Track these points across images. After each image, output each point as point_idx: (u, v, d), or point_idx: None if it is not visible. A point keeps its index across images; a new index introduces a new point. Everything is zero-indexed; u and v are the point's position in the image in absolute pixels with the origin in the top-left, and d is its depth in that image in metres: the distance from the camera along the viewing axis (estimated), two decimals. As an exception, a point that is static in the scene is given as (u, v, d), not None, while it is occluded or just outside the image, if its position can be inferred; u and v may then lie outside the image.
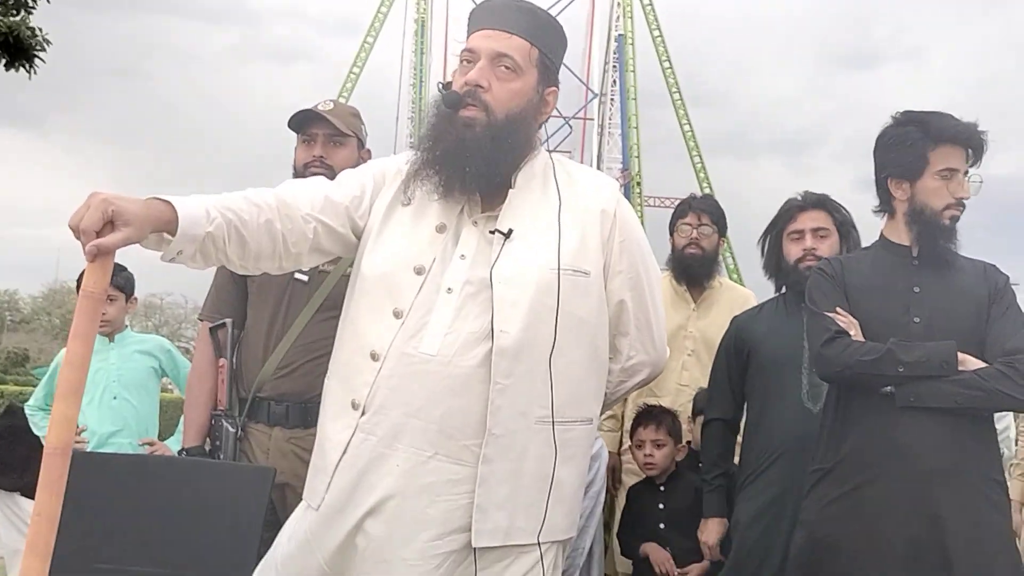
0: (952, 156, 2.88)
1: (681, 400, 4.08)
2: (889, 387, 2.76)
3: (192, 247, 2.11)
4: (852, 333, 2.82)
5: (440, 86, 2.44)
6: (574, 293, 2.31)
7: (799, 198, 3.56)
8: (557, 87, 2.49)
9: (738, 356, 3.55)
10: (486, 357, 2.22)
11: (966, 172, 2.89)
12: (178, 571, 2.76)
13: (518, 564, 2.27)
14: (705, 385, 3.79)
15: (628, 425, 4.19)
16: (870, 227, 3.18)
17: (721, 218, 4.27)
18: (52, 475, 1.94)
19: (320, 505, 2.30)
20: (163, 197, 2.07)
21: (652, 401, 4.07)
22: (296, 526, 2.40)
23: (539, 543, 2.27)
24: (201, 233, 2.11)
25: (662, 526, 3.81)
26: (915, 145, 2.90)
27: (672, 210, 4.48)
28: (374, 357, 2.27)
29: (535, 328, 2.25)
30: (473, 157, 2.31)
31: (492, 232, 2.33)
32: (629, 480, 4.18)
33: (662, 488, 3.89)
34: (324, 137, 3.29)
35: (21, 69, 10.92)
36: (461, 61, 2.42)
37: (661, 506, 3.85)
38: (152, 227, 2.04)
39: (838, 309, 2.87)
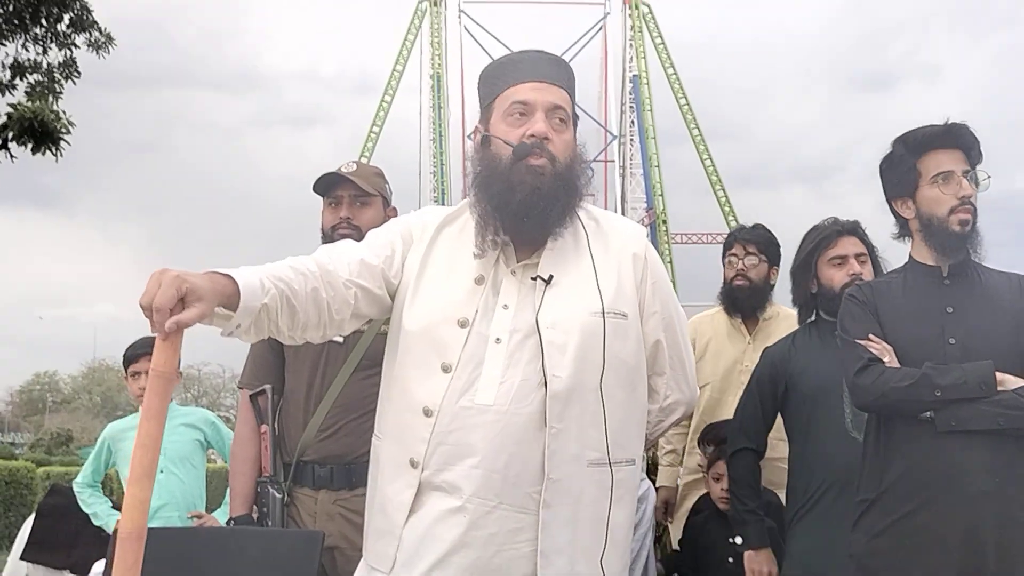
0: (942, 159, 2.85)
1: None
2: (928, 412, 2.70)
3: (249, 320, 2.10)
4: (887, 360, 2.78)
5: (487, 138, 2.43)
6: (616, 335, 2.34)
7: (835, 224, 3.52)
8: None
9: (772, 388, 3.52)
10: (541, 403, 2.24)
11: (967, 172, 2.84)
12: (233, 641, 2.76)
13: None
14: None
15: (688, 462, 4.17)
16: (894, 249, 3.17)
17: (770, 246, 4.25)
18: (127, 560, 1.92)
19: (392, 567, 2.29)
20: (221, 271, 2.06)
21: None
22: None
23: None
24: (258, 305, 2.09)
25: (731, 560, 3.74)
26: (903, 161, 2.90)
27: (701, 244, 4.49)
28: (427, 413, 2.28)
29: (584, 371, 2.28)
30: (551, 205, 2.34)
31: (533, 279, 2.36)
32: (683, 517, 4.15)
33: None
34: (349, 198, 3.32)
35: (47, 152, 11.07)
36: (510, 114, 2.41)
37: (731, 540, 3.76)
38: (218, 301, 2.01)
39: (871, 336, 2.84)
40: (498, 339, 2.31)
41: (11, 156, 11.44)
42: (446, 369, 2.29)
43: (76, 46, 12.77)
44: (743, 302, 4.24)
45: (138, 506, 1.93)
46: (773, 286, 4.35)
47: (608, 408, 2.29)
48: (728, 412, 4.08)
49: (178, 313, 1.91)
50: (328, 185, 3.35)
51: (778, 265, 4.28)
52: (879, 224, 3.38)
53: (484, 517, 2.23)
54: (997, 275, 2.91)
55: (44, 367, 61.08)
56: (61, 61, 12.76)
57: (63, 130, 11.06)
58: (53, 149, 11.04)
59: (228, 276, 2.05)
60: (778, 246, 4.26)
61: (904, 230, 2.98)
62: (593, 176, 2.57)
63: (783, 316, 4.32)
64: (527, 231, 2.37)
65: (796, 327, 4.11)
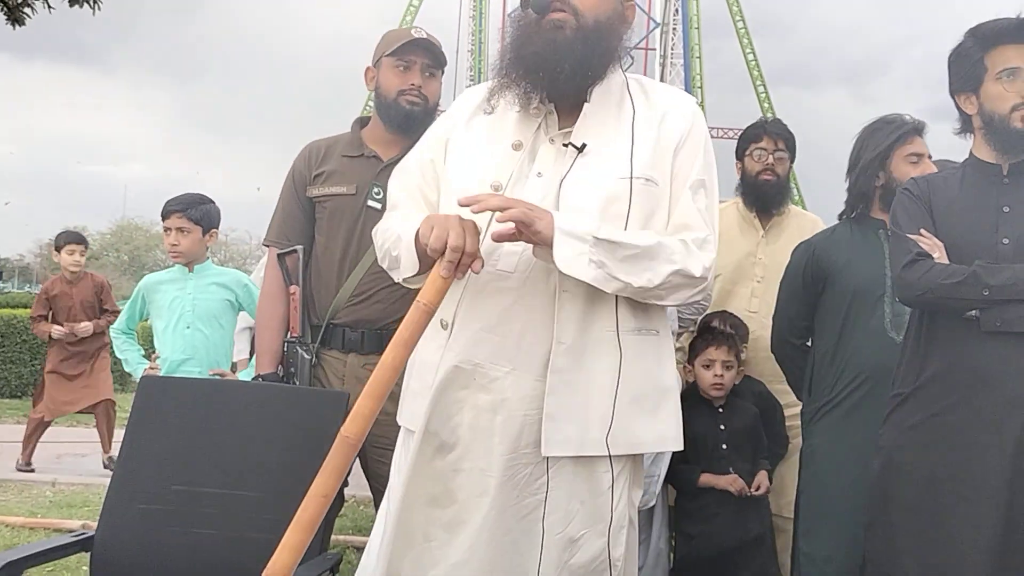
0: (1010, 55, 2.75)
1: (751, 327, 4.01)
2: (974, 311, 2.65)
3: None
4: (936, 255, 2.71)
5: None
6: (642, 200, 2.28)
7: (910, 120, 3.43)
8: (633, 1, 2.46)
9: (814, 280, 3.45)
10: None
11: None
12: (252, 493, 2.78)
13: (594, 475, 2.27)
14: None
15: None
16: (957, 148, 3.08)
17: (793, 143, 4.16)
18: (339, 461, 2.05)
19: (424, 426, 2.29)
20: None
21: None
22: (401, 457, 2.41)
23: (610, 455, 2.25)
24: None
25: (724, 447, 3.77)
26: (970, 54, 2.81)
27: (735, 140, 4.36)
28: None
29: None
30: (565, 58, 2.27)
31: (565, 145, 2.31)
32: None
33: (720, 410, 3.84)
34: (422, 66, 3.23)
35: (85, 5, 10.90)
36: None
37: (722, 427, 3.80)
38: None
39: (922, 231, 2.77)
40: None
41: (49, 6, 11.28)
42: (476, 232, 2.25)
43: (116, -101, 12.50)
44: (769, 197, 4.14)
45: (364, 418, 2.05)
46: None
47: None
48: (739, 303, 4.08)
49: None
50: (404, 48, 3.23)
51: (794, 161, 4.21)
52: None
53: (495, 382, 2.24)
54: None
55: (74, 222, 61.53)
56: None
57: (103, -19, 10.85)
58: (91, 1, 10.85)
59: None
60: (795, 140, 4.17)
61: (966, 126, 2.89)
62: (633, 63, 2.49)
63: (794, 212, 4.28)
64: (544, 85, 2.31)
65: (808, 223, 4.10)
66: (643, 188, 2.29)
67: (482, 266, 2.15)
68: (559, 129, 2.36)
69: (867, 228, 3.42)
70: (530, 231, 2.11)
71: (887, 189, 3.37)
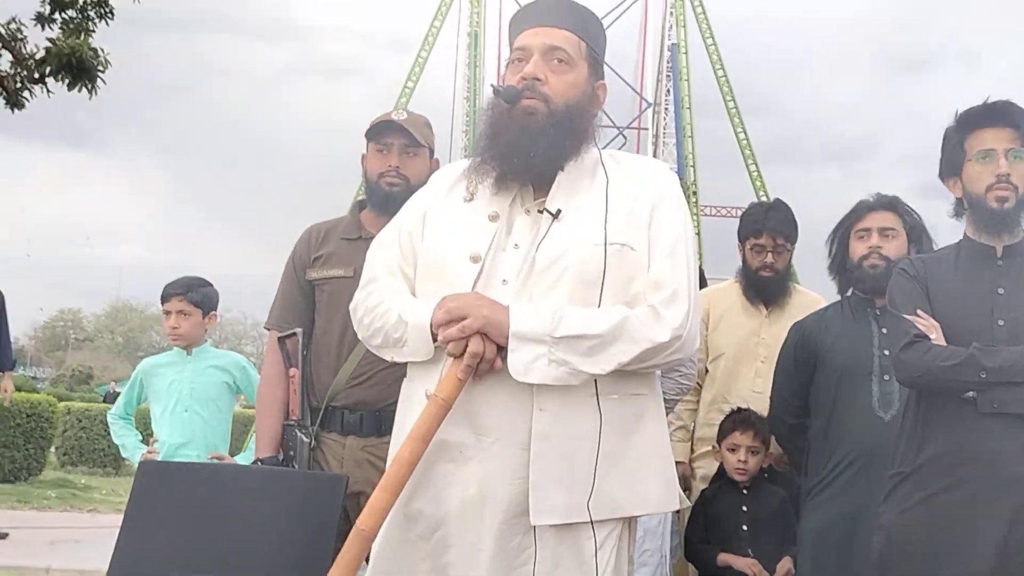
0: (986, 137, 2.84)
1: (755, 407, 4.01)
2: (971, 392, 2.68)
3: None
4: (933, 337, 2.75)
5: (494, 87, 2.44)
6: (619, 265, 2.29)
7: (871, 199, 3.52)
8: (604, 81, 2.54)
9: (804, 361, 3.50)
10: None
11: (1009, 150, 2.81)
12: (251, 580, 2.76)
13: (578, 543, 2.25)
14: None
15: (701, 433, 4.15)
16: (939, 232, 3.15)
17: (793, 230, 4.17)
18: (354, 553, 2.11)
19: (405, 504, 2.28)
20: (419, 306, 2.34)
21: (726, 408, 4.03)
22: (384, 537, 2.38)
23: (591, 520, 2.23)
24: None
25: (745, 528, 3.77)
26: (952, 138, 2.91)
27: (731, 218, 4.40)
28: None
29: (579, 302, 2.24)
30: (537, 143, 2.33)
31: (540, 211, 2.35)
32: (698, 487, 4.14)
33: (745, 491, 3.86)
34: (400, 147, 3.29)
35: (83, 90, 11.02)
36: (512, 61, 2.46)
37: (744, 508, 3.81)
38: None
39: (919, 312, 2.80)
40: (504, 280, 2.30)
41: (48, 91, 11.42)
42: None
43: (113, -13, 12.69)
44: (769, 290, 4.18)
45: (382, 511, 2.12)
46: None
47: None
48: (743, 383, 4.10)
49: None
50: (379, 131, 3.32)
51: (796, 241, 4.22)
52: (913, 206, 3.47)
53: (482, 452, 2.24)
54: None
55: (68, 304, 61.56)
56: (96, 0, 12.70)
57: (100, 68, 10.98)
58: (89, 86, 10.96)
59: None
60: (797, 224, 4.19)
61: (959, 208, 2.96)
62: (626, 143, 2.55)
63: (798, 292, 4.30)
64: (517, 170, 2.36)
65: (811, 302, 4.12)
66: (618, 253, 2.29)
67: (502, 366, 2.19)
68: (534, 200, 2.40)
69: (856, 306, 3.47)
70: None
71: (848, 267, 3.48)
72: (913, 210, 3.50)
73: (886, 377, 3.25)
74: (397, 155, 3.29)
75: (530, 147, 2.33)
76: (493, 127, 2.40)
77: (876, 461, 3.05)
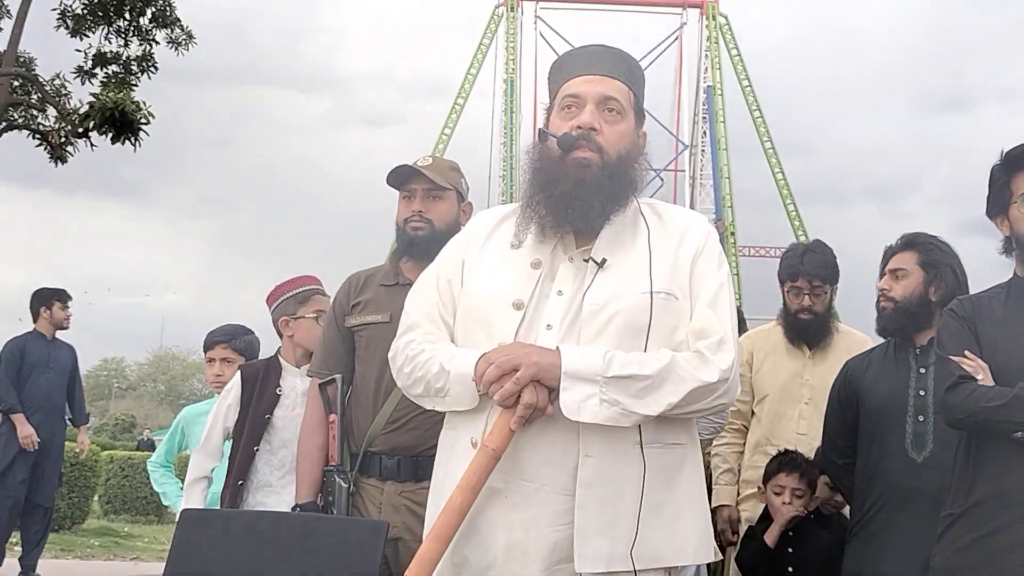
0: None
1: (801, 449, 3.97)
2: (1020, 432, 2.63)
3: None
4: (980, 377, 2.71)
5: (543, 133, 2.45)
6: (664, 314, 2.31)
7: (895, 243, 3.53)
8: (645, 128, 2.56)
9: (848, 401, 3.49)
10: None
11: None
12: (293, 628, 2.75)
13: None
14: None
15: (746, 475, 4.12)
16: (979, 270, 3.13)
17: (832, 272, 4.15)
18: None
19: (450, 551, 2.27)
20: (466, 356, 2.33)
21: (771, 450, 4.00)
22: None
23: (635, 569, 2.21)
24: None
25: (791, 569, 3.75)
26: (998, 178, 2.89)
27: (771, 258, 4.40)
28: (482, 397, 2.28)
29: (626, 349, 2.24)
30: (595, 196, 2.34)
31: (586, 260, 2.35)
32: (743, 531, 4.10)
33: (791, 533, 3.82)
34: (423, 192, 3.32)
35: (127, 142, 11.21)
36: (560, 107, 2.47)
37: (790, 550, 3.78)
38: None
39: (966, 352, 2.77)
40: (549, 326, 2.31)
41: (91, 145, 11.63)
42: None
43: (156, 42, 12.97)
44: (810, 334, 4.17)
45: (432, 561, 2.16)
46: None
47: None
48: (788, 425, 4.08)
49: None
50: (402, 178, 3.35)
51: (838, 282, 4.20)
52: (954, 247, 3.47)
53: (527, 499, 2.23)
54: None
55: (112, 353, 62.13)
56: (139, 55, 12.96)
57: (143, 121, 11.18)
58: (132, 139, 11.15)
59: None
60: (837, 265, 4.17)
61: (1008, 246, 2.93)
62: (663, 185, 2.56)
63: (843, 332, 4.27)
64: (573, 221, 2.37)
65: (857, 343, 4.10)
66: (663, 302, 2.31)
67: (553, 412, 2.19)
68: (576, 248, 2.41)
69: (900, 347, 3.45)
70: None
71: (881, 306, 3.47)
72: (934, 245, 3.45)
73: (920, 418, 3.24)
74: (420, 200, 3.31)
75: (588, 199, 2.34)
76: (546, 174, 2.41)
77: (908, 503, 3.06)
